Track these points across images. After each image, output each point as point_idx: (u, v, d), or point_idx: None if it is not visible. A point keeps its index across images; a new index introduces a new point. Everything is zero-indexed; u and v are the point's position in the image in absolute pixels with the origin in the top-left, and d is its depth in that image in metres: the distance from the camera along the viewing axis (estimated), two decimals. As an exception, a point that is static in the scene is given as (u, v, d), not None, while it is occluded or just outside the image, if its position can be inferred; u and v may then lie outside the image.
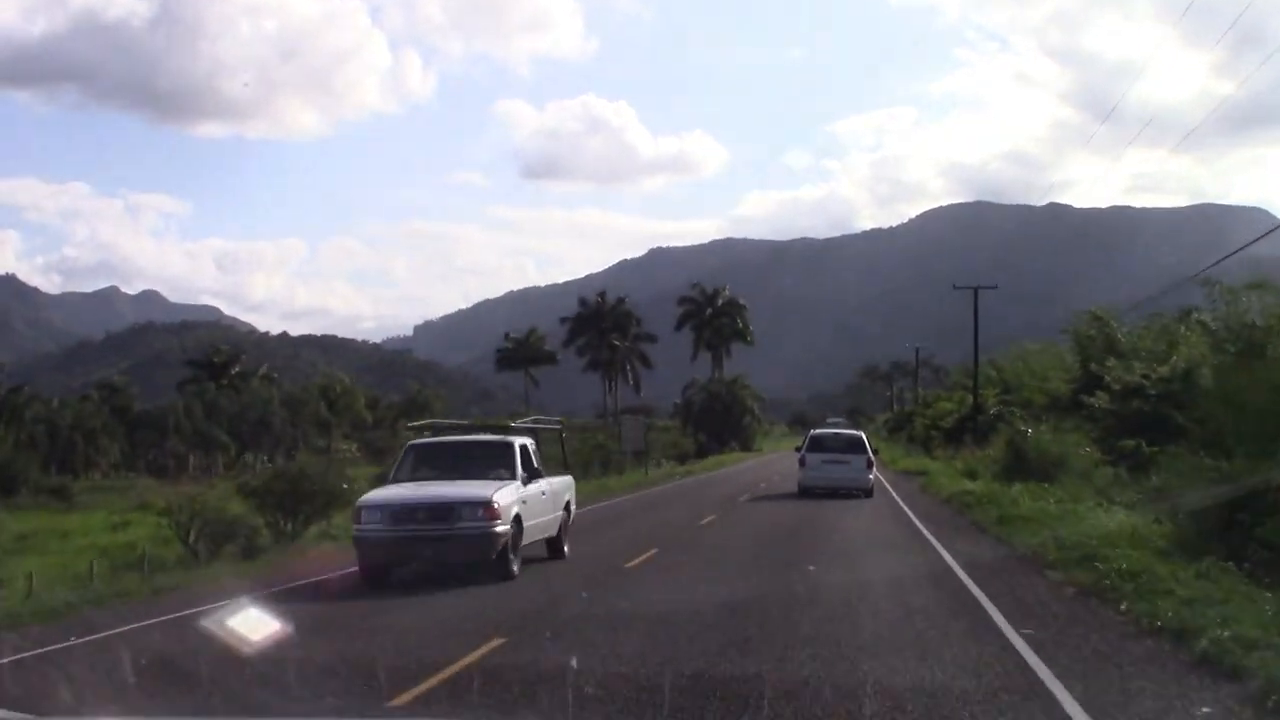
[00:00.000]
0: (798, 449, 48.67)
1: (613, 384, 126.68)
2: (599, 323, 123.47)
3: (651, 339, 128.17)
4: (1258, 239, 36.99)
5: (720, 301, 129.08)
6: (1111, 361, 46.02)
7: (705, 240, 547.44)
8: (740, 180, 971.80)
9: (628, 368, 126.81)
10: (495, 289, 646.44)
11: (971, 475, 47.10)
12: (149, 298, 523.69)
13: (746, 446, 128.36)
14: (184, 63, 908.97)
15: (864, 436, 49.60)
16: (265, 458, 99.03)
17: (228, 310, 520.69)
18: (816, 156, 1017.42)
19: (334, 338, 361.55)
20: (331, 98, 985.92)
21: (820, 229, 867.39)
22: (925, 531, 30.03)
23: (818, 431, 52.56)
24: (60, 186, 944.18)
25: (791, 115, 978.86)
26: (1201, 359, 37.60)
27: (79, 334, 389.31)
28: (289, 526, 35.39)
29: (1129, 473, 34.94)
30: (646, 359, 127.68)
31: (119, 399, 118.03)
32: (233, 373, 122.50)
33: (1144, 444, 36.52)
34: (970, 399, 74.07)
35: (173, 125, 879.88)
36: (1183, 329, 44.74)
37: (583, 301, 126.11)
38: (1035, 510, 29.48)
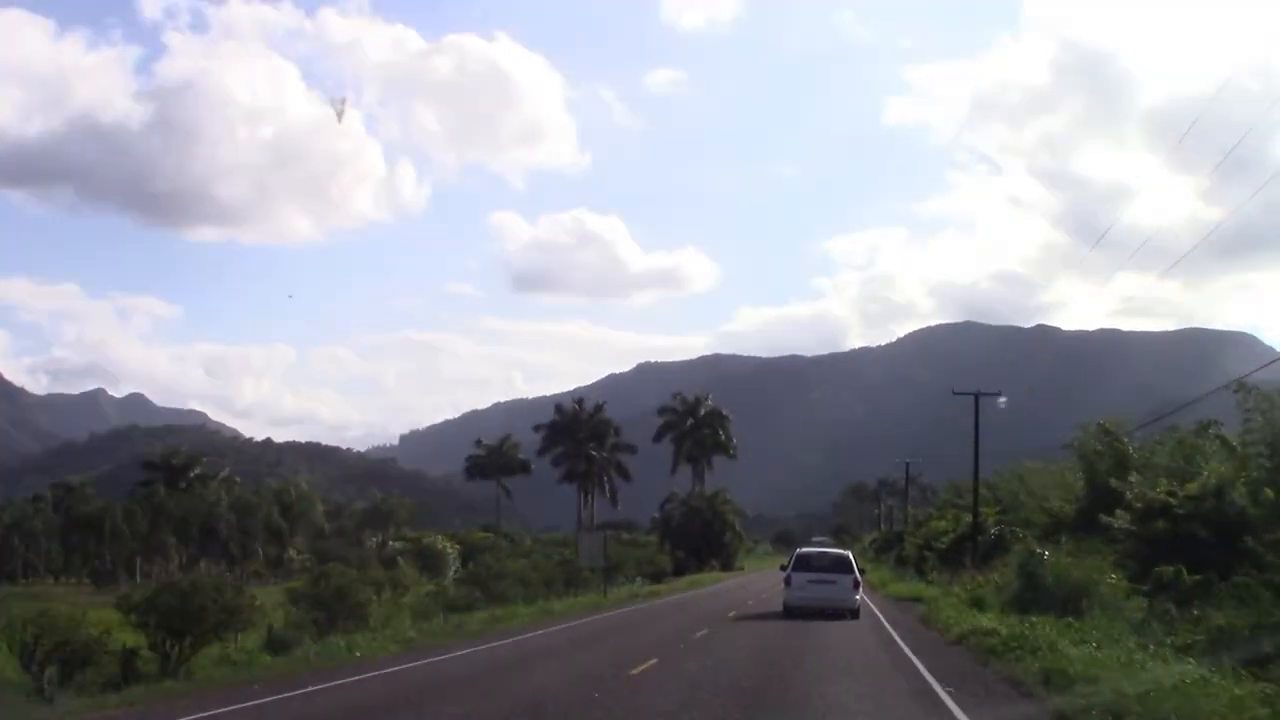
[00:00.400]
0: (783, 567, 47.92)
1: (589, 496, 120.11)
2: (576, 431, 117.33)
3: (631, 449, 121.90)
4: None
5: (702, 412, 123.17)
6: (1134, 477, 42.07)
7: (694, 356, 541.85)
8: (730, 296, 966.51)
9: (605, 479, 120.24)
10: (483, 400, 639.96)
11: (978, 605, 40.42)
12: (135, 401, 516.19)
13: (728, 565, 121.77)
14: (179, 166, 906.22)
15: (850, 556, 47.91)
16: (224, 565, 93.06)
17: (214, 415, 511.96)
18: (807, 274, 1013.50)
19: (318, 445, 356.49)
20: (326, 205, 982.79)
21: (809, 346, 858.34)
22: (948, 701, 20.53)
23: (804, 550, 51.01)
24: (52, 287, 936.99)
25: (783, 233, 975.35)
26: (1235, 474, 34.56)
27: (64, 436, 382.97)
28: (175, 650, 31.42)
29: (1176, 607, 28.42)
30: (625, 470, 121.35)
31: (73, 500, 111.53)
32: (192, 475, 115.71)
33: (1184, 570, 31.19)
34: (967, 518, 68.31)
35: (166, 228, 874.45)
36: (1204, 444, 41.58)
37: (559, 409, 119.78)
38: (1086, 660, 21.73)
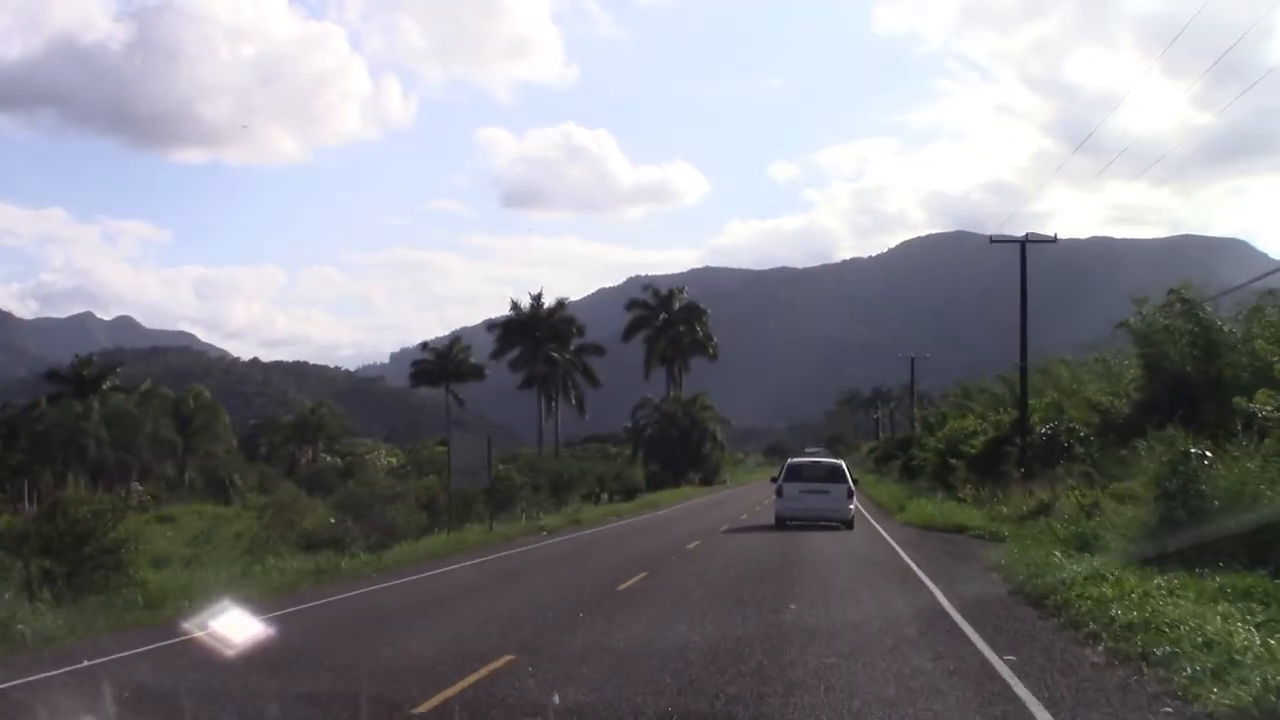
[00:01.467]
0: (774, 479, 46.89)
1: (553, 404, 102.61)
2: (533, 330, 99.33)
3: (599, 351, 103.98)
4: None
5: (676, 306, 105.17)
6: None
7: (684, 269, 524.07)
8: (720, 209, 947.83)
9: (569, 385, 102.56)
10: (474, 317, 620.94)
11: (1084, 545, 22.88)
12: (124, 324, 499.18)
13: (709, 479, 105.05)
14: (163, 87, 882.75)
15: (844, 465, 45.83)
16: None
17: (204, 337, 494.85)
18: (797, 186, 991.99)
19: (305, 364, 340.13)
20: (311, 124, 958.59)
21: (800, 259, 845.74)
22: None
23: (795, 460, 49.20)
24: (38, 211, 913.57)
25: (772, 145, 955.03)
26: None
27: (52, 360, 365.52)
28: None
29: None
30: (593, 375, 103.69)
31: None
32: (105, 387, 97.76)
33: None
34: (1000, 417, 52.97)
35: (151, 151, 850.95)
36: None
37: (515, 305, 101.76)
38: None
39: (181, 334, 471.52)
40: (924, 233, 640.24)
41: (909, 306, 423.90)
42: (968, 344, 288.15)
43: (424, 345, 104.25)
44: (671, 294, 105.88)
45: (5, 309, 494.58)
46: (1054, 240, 49.76)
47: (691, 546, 32.62)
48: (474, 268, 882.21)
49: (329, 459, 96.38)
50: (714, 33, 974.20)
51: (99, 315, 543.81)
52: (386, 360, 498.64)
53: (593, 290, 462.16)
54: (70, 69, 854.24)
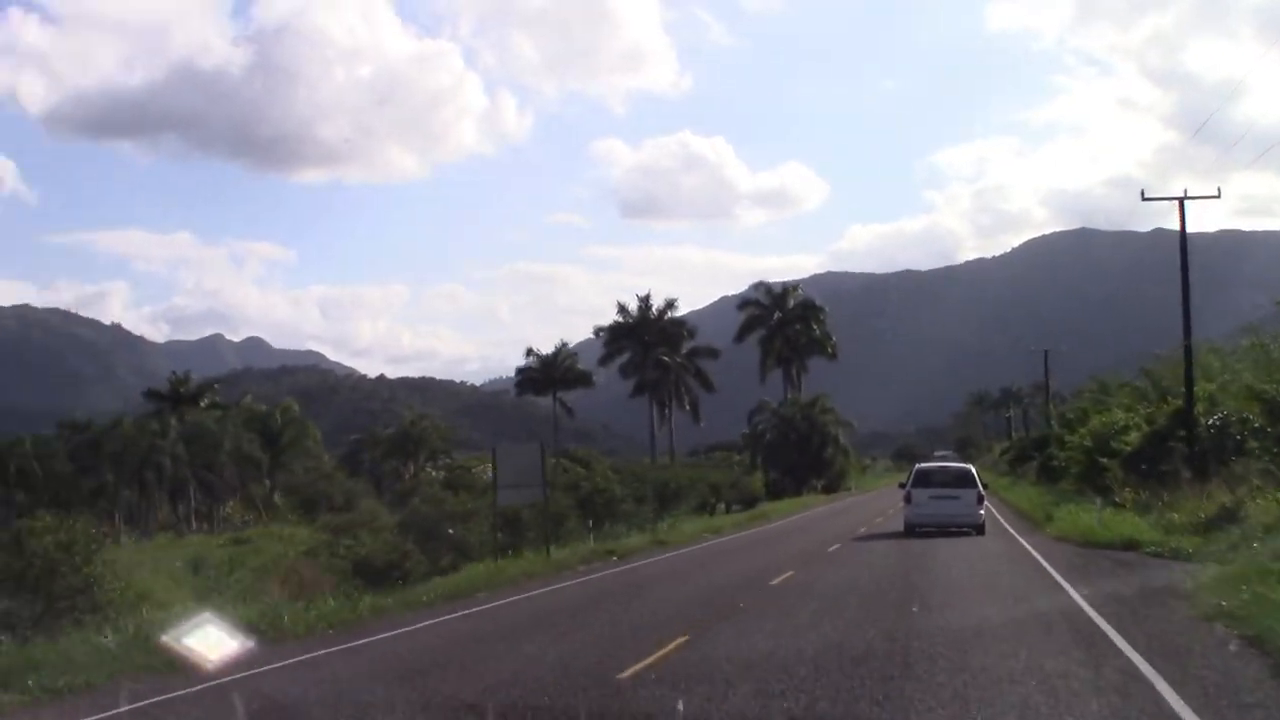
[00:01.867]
0: (902, 485, 45.49)
1: (666, 411, 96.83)
2: (642, 333, 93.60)
3: (712, 354, 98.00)
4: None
5: (791, 304, 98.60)
6: None
7: (806, 275, 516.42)
8: (841, 214, 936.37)
9: (682, 391, 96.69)
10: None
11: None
12: (253, 344, 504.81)
13: (833, 486, 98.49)
14: (282, 109, 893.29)
15: (973, 469, 44.14)
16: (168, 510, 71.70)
17: (332, 355, 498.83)
18: (917, 188, 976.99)
19: (432, 380, 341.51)
20: (429, 141, 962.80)
21: (923, 261, 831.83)
22: None
23: (924, 465, 47.82)
24: (167, 236, 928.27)
25: (890, 147, 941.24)
26: None
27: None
28: None
29: None
30: (707, 379, 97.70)
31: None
32: (203, 405, 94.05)
33: None
34: (1153, 409, 46.26)
35: (273, 172, 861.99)
36: None
37: (621, 308, 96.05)
38: None
39: (310, 353, 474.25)
40: (1047, 231, 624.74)
41: (1034, 306, 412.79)
42: (1096, 342, 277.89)
43: (529, 353, 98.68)
44: (786, 291, 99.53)
45: (138, 333, 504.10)
46: (1218, 196, 42.18)
47: (777, 582, 24.51)
48: (596, 279, 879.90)
49: (432, 473, 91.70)
50: (826, 36, 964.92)
51: (229, 337, 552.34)
52: (512, 374, 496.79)
53: (715, 298, 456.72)
54: (191, 94, 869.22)
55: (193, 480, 77.54)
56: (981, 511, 39.66)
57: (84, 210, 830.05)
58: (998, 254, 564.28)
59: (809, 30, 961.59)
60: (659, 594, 23.79)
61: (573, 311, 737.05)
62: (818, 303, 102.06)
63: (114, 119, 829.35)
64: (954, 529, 38.12)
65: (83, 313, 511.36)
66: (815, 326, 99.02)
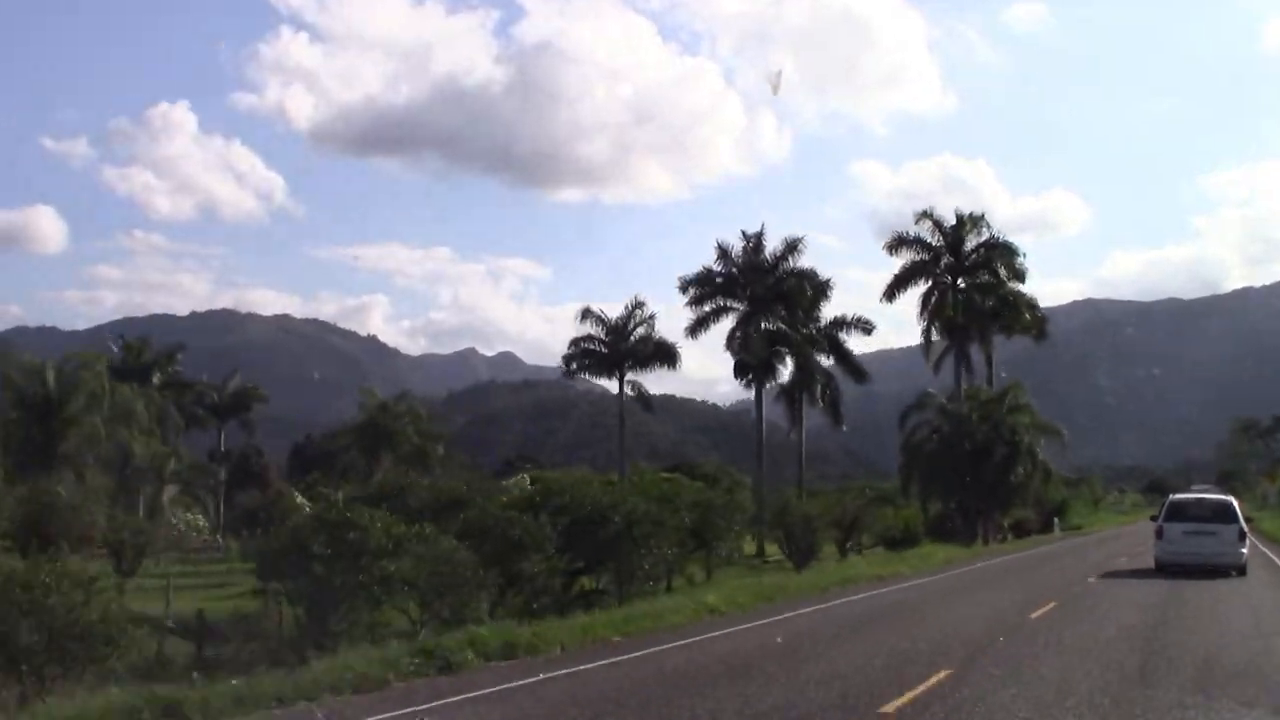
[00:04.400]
0: (1153, 518, 39.79)
1: (795, 407, 62.98)
2: (748, 285, 59.39)
3: (865, 327, 63.33)
4: None
5: (969, 245, 62.15)
6: None
7: (1065, 301, 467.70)
8: (1103, 239, 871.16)
9: (814, 377, 62.29)
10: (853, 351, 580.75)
11: None
12: (505, 359, 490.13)
13: (1047, 525, 63.61)
14: (541, 127, 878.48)
15: (1234, 502, 37.45)
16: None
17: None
18: (1183, 213, 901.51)
19: (672, 398, 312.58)
20: (687, 160, 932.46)
21: (1187, 289, 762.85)
22: None
23: (1178, 497, 40.50)
24: (426, 251, 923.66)
25: (1156, 170, 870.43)
26: None
27: (424, 394, 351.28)
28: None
29: None
30: (855, 364, 63.21)
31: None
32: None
33: None
34: None
35: (531, 189, 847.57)
36: None
37: (721, 251, 61.75)
38: None
39: (557, 369, 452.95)
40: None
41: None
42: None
43: (584, 315, 64.39)
44: (961, 222, 62.52)
45: (393, 345, 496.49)
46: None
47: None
48: (851, 301, 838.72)
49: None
50: (1094, 55, 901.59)
51: (481, 351, 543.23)
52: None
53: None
54: (453, 112, 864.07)
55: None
56: (1244, 550, 34.63)
57: (348, 226, 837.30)
58: (1269, 282, 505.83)
59: (1076, 48, 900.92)
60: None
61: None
62: (1013, 244, 64.30)
63: (377, 135, 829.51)
64: (1211, 569, 32.21)
65: (341, 324, 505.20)
66: (1006, 272, 62.08)
